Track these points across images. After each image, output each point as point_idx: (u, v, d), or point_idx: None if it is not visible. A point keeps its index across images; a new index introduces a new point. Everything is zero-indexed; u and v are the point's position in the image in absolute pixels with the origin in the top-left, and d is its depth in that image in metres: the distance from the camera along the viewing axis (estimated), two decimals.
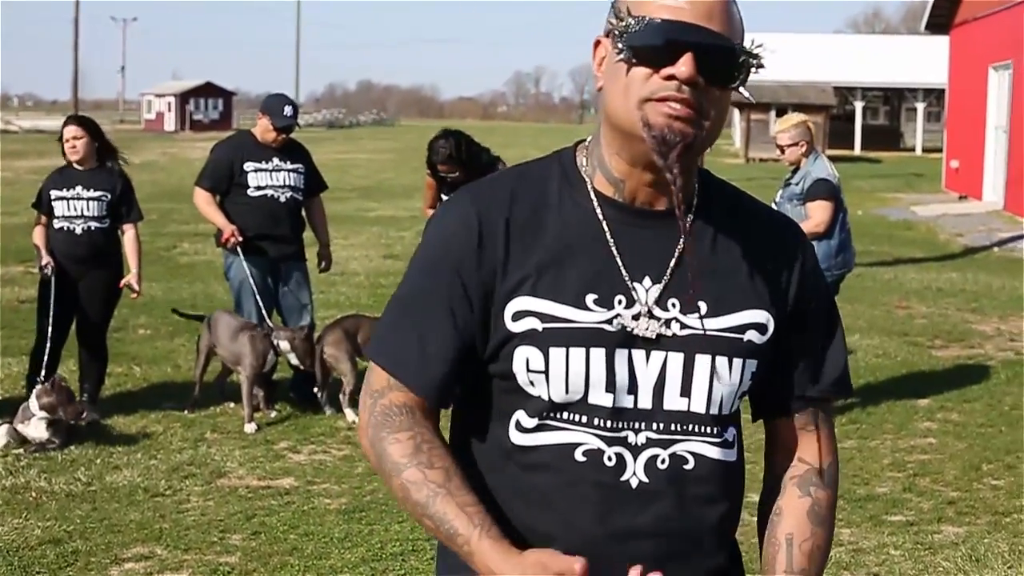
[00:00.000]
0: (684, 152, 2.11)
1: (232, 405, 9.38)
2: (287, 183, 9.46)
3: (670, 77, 2.09)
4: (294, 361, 9.09)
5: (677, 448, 2.23)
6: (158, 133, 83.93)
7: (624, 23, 2.13)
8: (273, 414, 9.18)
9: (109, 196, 9.07)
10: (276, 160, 9.42)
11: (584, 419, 2.20)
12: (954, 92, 34.41)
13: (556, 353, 2.18)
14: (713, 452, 2.27)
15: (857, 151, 57.50)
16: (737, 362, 2.25)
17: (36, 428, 8.19)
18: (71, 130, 9.05)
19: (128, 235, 9.32)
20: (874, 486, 7.67)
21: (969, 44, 31.69)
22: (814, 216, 8.94)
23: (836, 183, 9.02)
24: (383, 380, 2.28)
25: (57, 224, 9.00)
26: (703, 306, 2.22)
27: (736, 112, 62.77)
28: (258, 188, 9.39)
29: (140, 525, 6.83)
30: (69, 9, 79.01)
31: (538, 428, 2.23)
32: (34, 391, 8.27)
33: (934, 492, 7.59)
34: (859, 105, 60.06)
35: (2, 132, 67.86)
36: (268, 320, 9.38)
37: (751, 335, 2.26)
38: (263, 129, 9.38)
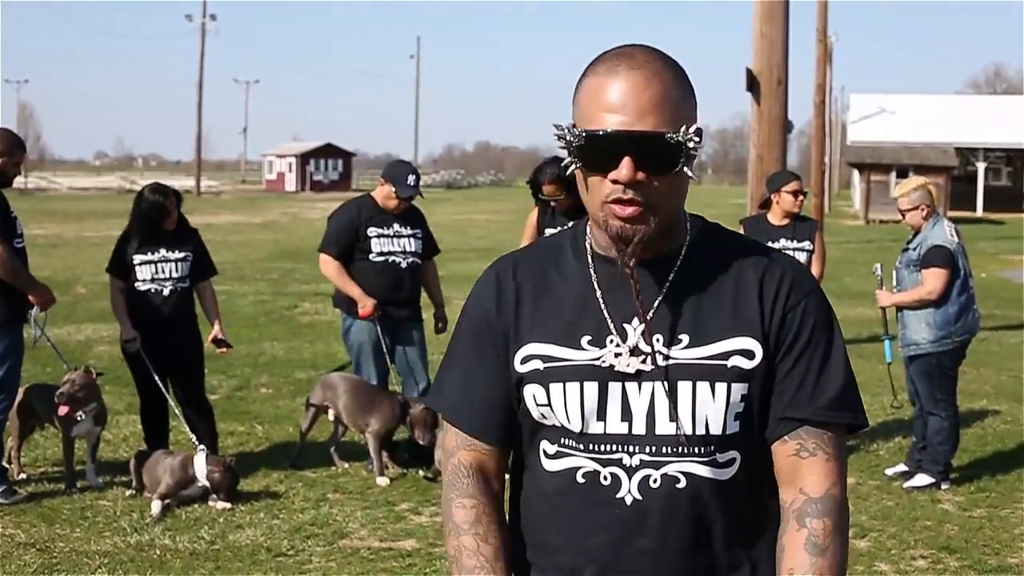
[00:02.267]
0: (640, 243, 2.42)
1: (348, 465, 9.41)
2: (407, 248, 9.51)
3: (615, 181, 2.37)
4: (416, 435, 9.16)
5: (668, 469, 2.47)
6: (279, 193, 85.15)
7: (568, 136, 2.43)
8: (397, 472, 9.16)
9: (191, 256, 9.18)
10: (396, 226, 9.48)
11: (582, 446, 2.50)
12: None
13: (555, 388, 2.50)
14: (705, 471, 2.48)
15: (979, 212, 56.79)
16: (720, 386, 2.46)
17: (193, 490, 8.35)
18: (172, 202, 9.12)
19: (207, 291, 9.41)
20: (1006, 556, 7.49)
21: None
22: (927, 283, 8.84)
23: (954, 249, 8.87)
24: (452, 439, 2.66)
25: (143, 288, 9.08)
26: (684, 338, 2.47)
27: (856, 173, 62.35)
28: (380, 253, 9.44)
29: None
30: (194, 72, 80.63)
31: (557, 455, 2.55)
32: (204, 458, 8.35)
33: None
34: (981, 166, 59.37)
35: (123, 191, 68.89)
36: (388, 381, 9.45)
37: (736, 360, 2.47)
38: (384, 196, 9.43)
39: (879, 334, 9.45)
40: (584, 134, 2.39)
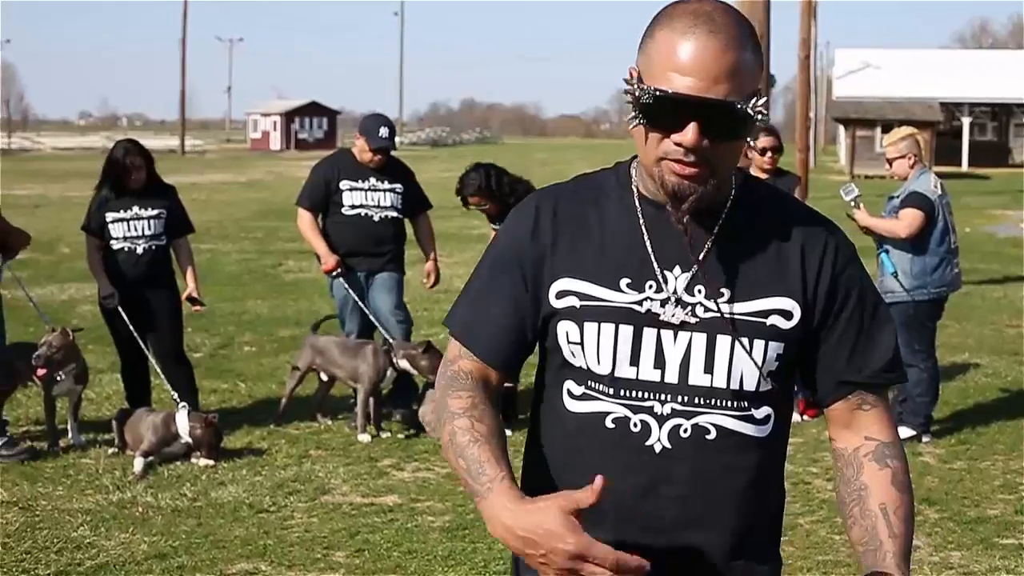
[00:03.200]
0: (694, 204, 2.41)
1: (331, 422, 9.42)
2: (382, 203, 9.49)
3: (679, 144, 2.35)
4: (415, 375, 9.18)
5: (700, 419, 2.48)
6: (264, 152, 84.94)
7: (636, 91, 2.39)
8: (384, 435, 9.17)
9: (166, 213, 9.17)
10: (373, 180, 9.46)
11: (612, 391, 2.50)
12: None
13: (590, 327, 2.49)
14: (736, 425, 2.50)
15: (964, 167, 56.81)
16: (759, 343, 2.48)
17: (176, 447, 8.37)
18: (137, 160, 9.07)
19: (183, 248, 9.40)
20: (985, 508, 7.53)
21: None
22: (902, 219, 8.94)
23: (935, 199, 8.89)
24: (455, 349, 2.63)
25: (116, 246, 9.07)
26: (727, 292, 2.47)
27: (841, 128, 62.35)
28: (352, 207, 9.44)
29: (245, 541, 6.87)
30: (176, 30, 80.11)
31: (584, 396, 2.53)
32: (186, 415, 8.35)
33: None
34: (966, 121, 59.35)
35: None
36: (377, 337, 9.46)
37: (775, 320, 2.49)
38: (360, 149, 9.43)
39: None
40: (655, 92, 2.34)
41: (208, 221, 25.71)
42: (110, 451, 8.57)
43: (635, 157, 2.57)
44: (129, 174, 9.01)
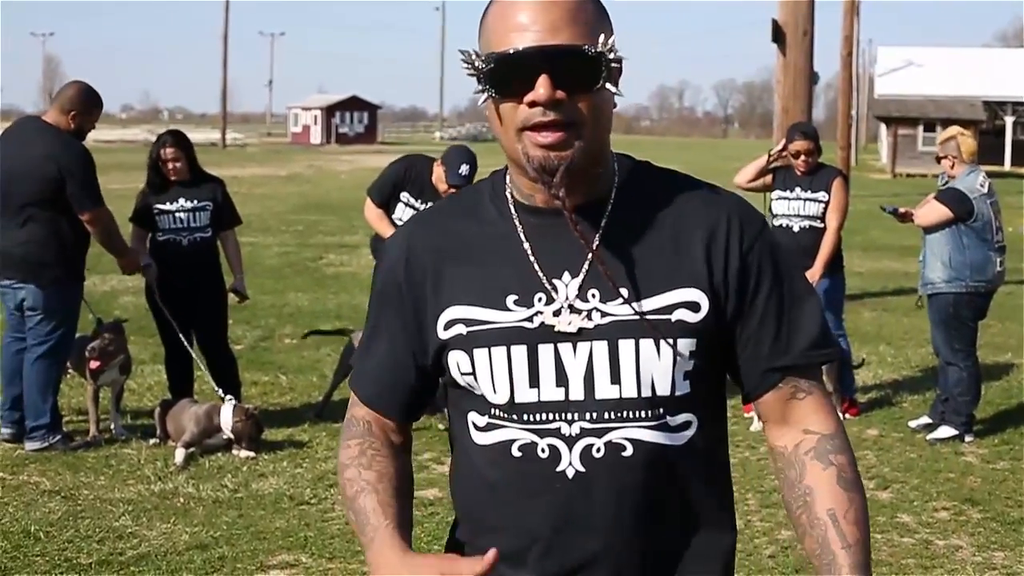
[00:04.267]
0: (566, 173, 2.20)
1: None
2: None
3: (532, 103, 2.18)
4: None
5: (612, 436, 2.27)
6: (304, 146, 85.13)
7: (476, 63, 2.23)
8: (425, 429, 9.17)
9: (211, 205, 9.19)
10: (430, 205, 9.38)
11: (515, 416, 2.30)
12: None
13: (480, 354, 2.30)
14: (653, 436, 2.28)
15: (1007, 167, 56.45)
16: (665, 342, 2.26)
17: (217, 440, 8.41)
18: (171, 152, 9.10)
19: (230, 241, 9.41)
20: None
21: None
22: (926, 207, 9.09)
23: (975, 198, 8.91)
24: (352, 395, 2.55)
25: (162, 237, 9.11)
26: (624, 292, 2.26)
27: (883, 127, 62.06)
28: (399, 220, 9.39)
29: (285, 533, 6.89)
30: (219, 24, 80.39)
31: (488, 427, 2.35)
32: (231, 407, 8.38)
33: None
34: (1009, 120, 58.97)
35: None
36: None
37: (681, 313, 2.28)
38: (438, 177, 9.27)
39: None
40: (494, 56, 2.20)
41: (249, 214, 25.61)
42: (151, 441, 8.60)
43: (508, 167, 2.42)
44: (165, 165, 9.06)
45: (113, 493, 7.55)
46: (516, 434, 2.31)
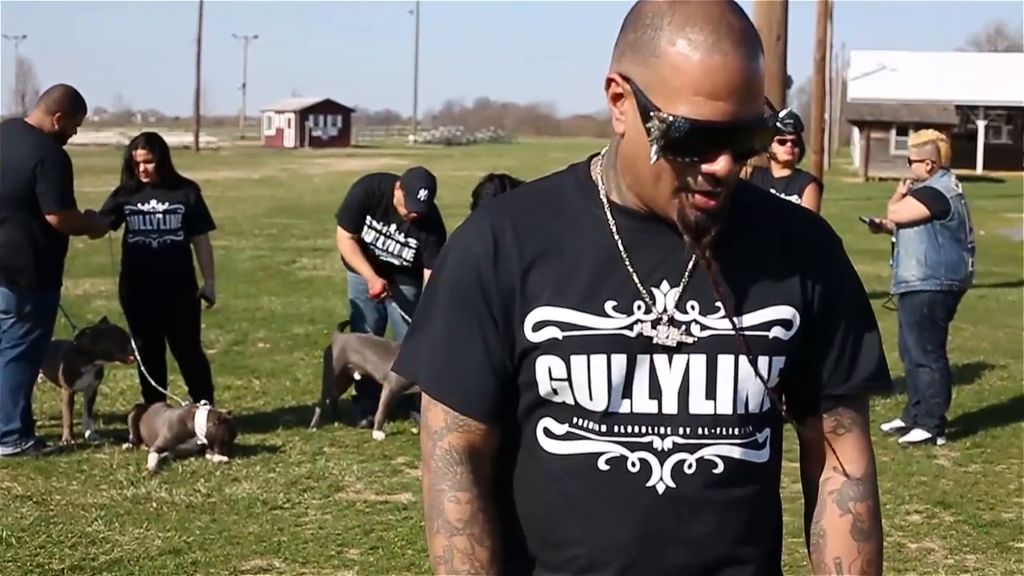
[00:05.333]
0: (715, 236, 2.14)
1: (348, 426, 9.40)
2: (393, 251, 9.44)
3: (709, 173, 2.09)
4: None
5: (705, 452, 2.21)
6: (278, 149, 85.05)
7: (663, 122, 2.06)
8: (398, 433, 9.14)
9: (183, 208, 9.16)
10: (393, 227, 9.38)
11: (605, 428, 2.20)
12: None
13: (577, 361, 2.18)
14: (743, 454, 2.24)
15: (979, 171, 56.73)
16: (763, 360, 2.21)
17: (190, 444, 8.38)
18: (142, 153, 9.09)
19: (202, 245, 9.37)
20: (1000, 511, 7.51)
21: None
22: (903, 203, 9.15)
23: (951, 197, 8.99)
24: (440, 419, 2.29)
25: (132, 239, 9.10)
26: (721, 306, 2.19)
27: (856, 131, 62.28)
28: (372, 244, 9.42)
29: (258, 537, 6.87)
30: (192, 27, 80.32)
31: (567, 436, 2.23)
32: (204, 412, 8.35)
33: None
34: (981, 124, 59.27)
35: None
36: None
37: (776, 331, 2.23)
38: (398, 199, 9.25)
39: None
40: (687, 125, 2.04)
41: (222, 218, 25.56)
42: (124, 446, 8.58)
43: (592, 157, 2.33)
44: (138, 167, 9.05)
45: (85, 498, 7.52)
46: (603, 447, 2.21)
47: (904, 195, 9.22)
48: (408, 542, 6.79)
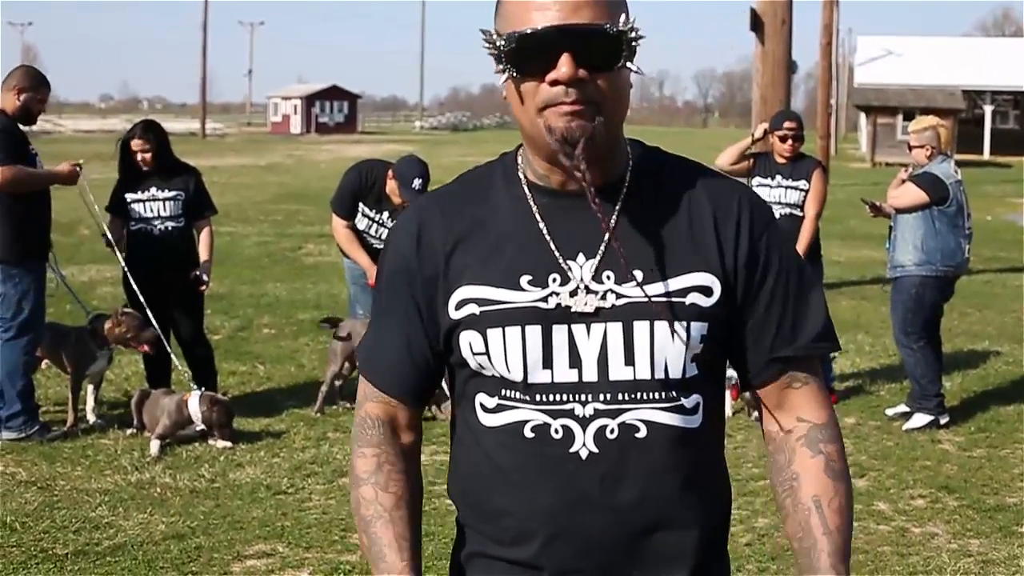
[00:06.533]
0: (588, 145, 2.20)
1: (349, 404, 9.39)
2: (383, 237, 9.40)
3: (554, 82, 2.18)
4: None
5: (626, 417, 2.27)
6: (284, 135, 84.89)
7: (497, 45, 2.23)
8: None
9: (184, 195, 9.16)
10: (386, 216, 9.40)
11: (528, 396, 2.29)
12: None
13: (493, 334, 2.28)
14: (666, 418, 2.29)
15: (986, 156, 56.57)
16: (680, 325, 2.27)
17: (191, 431, 8.41)
18: (138, 143, 9.09)
19: (203, 230, 9.33)
20: (1004, 496, 7.51)
21: None
22: (903, 190, 9.13)
23: (950, 183, 8.96)
24: (362, 389, 2.50)
25: (134, 227, 9.10)
26: (639, 274, 2.26)
27: (862, 116, 62.16)
28: (365, 232, 9.43)
29: (262, 522, 6.88)
30: (198, 13, 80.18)
31: (498, 408, 2.33)
32: (197, 397, 8.38)
33: None
34: (988, 109, 59.09)
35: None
36: None
37: (694, 297, 2.29)
38: (391, 188, 9.23)
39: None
40: (516, 35, 2.19)
41: (228, 204, 25.71)
42: (128, 432, 8.59)
43: (520, 146, 2.42)
44: (135, 156, 9.05)
45: (90, 483, 7.53)
46: (528, 415, 2.30)
47: (903, 181, 9.22)
48: None
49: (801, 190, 9.46)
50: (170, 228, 9.07)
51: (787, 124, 9.57)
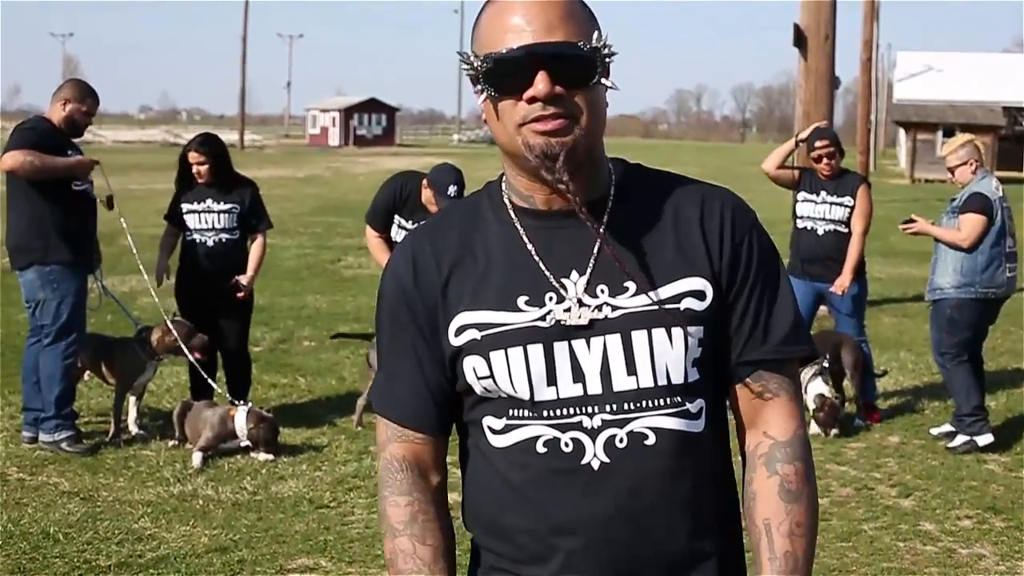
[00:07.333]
0: (568, 159, 2.25)
1: None
2: None
3: (532, 99, 2.24)
4: None
5: (634, 426, 2.30)
6: (322, 148, 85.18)
7: (475, 66, 2.29)
8: None
9: (239, 208, 9.18)
10: None
11: (536, 413, 2.31)
12: None
13: (496, 356, 2.31)
14: (674, 423, 2.32)
15: None
16: (677, 331, 2.30)
17: (233, 444, 8.41)
18: (194, 156, 9.13)
19: (255, 244, 9.37)
20: None
21: None
22: (963, 227, 8.87)
23: (995, 200, 8.84)
24: (383, 431, 2.48)
25: (189, 237, 9.15)
26: (631, 285, 2.31)
27: (902, 132, 61.93)
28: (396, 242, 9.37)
29: (305, 536, 6.87)
30: (238, 26, 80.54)
31: (506, 429, 2.35)
32: (244, 413, 8.38)
33: None
34: None
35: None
36: None
37: (689, 302, 2.32)
38: (427, 198, 9.14)
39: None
40: (492, 56, 2.25)
41: None
42: (171, 443, 8.60)
43: (503, 175, 2.46)
44: (190, 168, 9.10)
45: (132, 495, 7.54)
46: (539, 431, 2.32)
47: (933, 223, 9.08)
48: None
49: (846, 206, 9.43)
50: (224, 240, 9.11)
51: (819, 143, 9.54)
